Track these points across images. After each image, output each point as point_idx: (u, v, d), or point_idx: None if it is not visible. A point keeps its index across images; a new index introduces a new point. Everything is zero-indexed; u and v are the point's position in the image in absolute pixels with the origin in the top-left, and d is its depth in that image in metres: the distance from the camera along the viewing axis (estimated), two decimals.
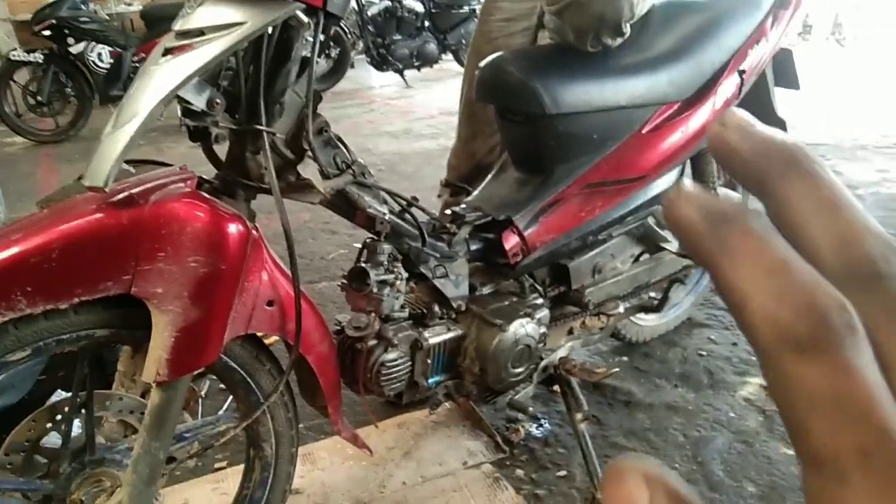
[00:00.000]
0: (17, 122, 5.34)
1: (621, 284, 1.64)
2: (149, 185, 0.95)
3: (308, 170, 1.10)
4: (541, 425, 1.75)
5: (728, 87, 1.59)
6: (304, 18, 0.99)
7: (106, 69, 5.41)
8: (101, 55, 5.41)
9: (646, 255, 1.71)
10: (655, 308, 1.78)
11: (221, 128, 1.01)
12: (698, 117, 1.54)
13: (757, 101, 1.87)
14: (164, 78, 0.90)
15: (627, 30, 1.39)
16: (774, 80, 1.89)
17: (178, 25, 0.95)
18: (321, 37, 1.02)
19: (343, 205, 1.18)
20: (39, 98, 5.26)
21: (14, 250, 0.87)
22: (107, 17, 5.92)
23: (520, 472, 1.58)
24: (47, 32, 5.15)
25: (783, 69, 1.88)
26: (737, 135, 0.17)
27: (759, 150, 0.17)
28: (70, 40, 5.26)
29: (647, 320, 2.01)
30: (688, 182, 0.18)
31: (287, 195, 1.09)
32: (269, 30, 0.98)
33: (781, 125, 1.94)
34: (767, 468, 1.56)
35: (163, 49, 0.94)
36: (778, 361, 0.15)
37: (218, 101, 0.98)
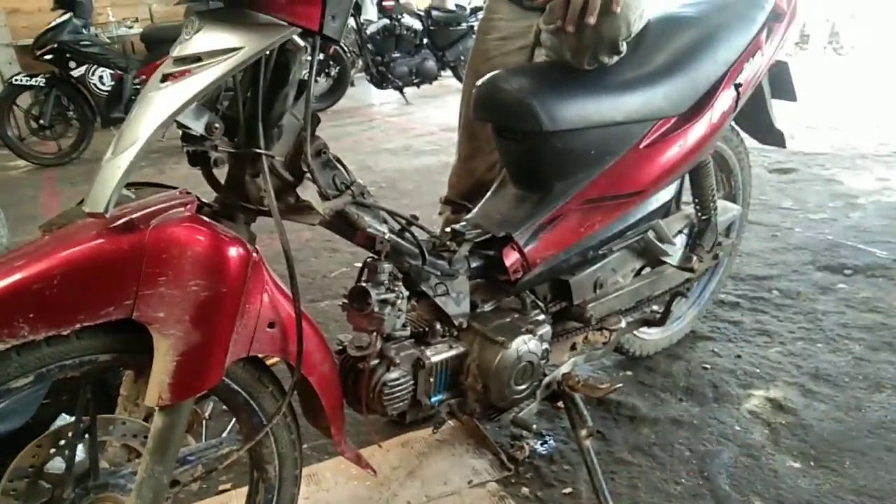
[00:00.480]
0: (20, 146, 5.39)
1: (623, 299, 1.65)
2: (149, 210, 0.96)
3: (307, 191, 1.10)
4: (545, 442, 1.74)
5: (724, 100, 1.59)
6: (301, 42, 1.00)
7: (107, 92, 5.46)
8: (102, 78, 5.46)
9: (647, 269, 1.71)
10: (658, 322, 1.78)
11: (220, 152, 1.01)
12: (695, 131, 1.55)
13: (754, 113, 1.88)
14: (162, 104, 0.91)
15: (624, 48, 1.39)
16: (772, 93, 1.90)
17: (176, 52, 0.96)
18: (320, 57, 1.02)
19: (343, 225, 1.19)
20: (42, 122, 5.31)
21: (16, 277, 0.87)
22: (108, 41, 5.99)
23: (525, 490, 1.57)
24: (49, 56, 5.21)
25: (780, 81, 1.90)
26: None
27: None
28: (72, 64, 5.32)
29: (650, 334, 2.00)
30: None
31: (287, 217, 1.09)
32: (267, 54, 0.99)
33: (780, 137, 1.95)
34: (774, 482, 1.55)
35: (161, 75, 0.94)
36: None
37: (216, 125, 0.99)
